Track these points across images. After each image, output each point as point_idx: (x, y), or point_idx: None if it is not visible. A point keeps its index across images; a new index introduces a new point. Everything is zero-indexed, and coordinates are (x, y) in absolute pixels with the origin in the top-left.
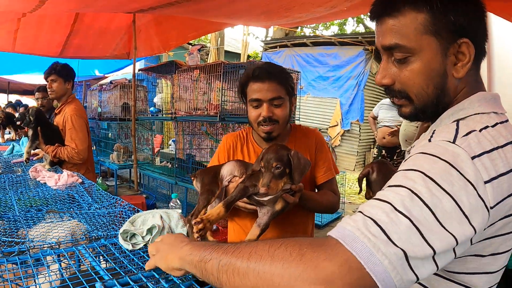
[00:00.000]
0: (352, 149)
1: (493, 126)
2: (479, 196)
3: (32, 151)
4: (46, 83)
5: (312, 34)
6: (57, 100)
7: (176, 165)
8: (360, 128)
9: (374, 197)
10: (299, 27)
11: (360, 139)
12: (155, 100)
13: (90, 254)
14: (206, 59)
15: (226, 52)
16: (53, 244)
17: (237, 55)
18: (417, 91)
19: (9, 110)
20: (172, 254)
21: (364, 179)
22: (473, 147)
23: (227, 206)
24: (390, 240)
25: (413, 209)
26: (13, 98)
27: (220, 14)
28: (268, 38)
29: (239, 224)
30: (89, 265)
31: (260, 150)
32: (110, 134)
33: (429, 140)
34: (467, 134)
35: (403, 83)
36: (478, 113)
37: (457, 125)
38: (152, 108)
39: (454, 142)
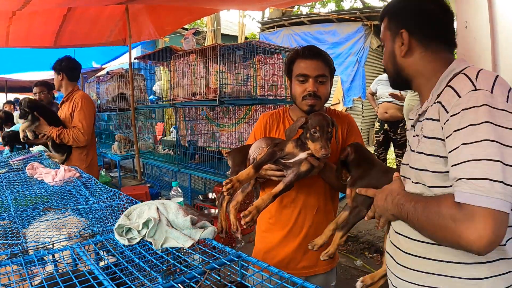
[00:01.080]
0: None
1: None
2: None
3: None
4: (42, 79)
5: (309, 12)
6: (59, 90)
7: (178, 152)
8: (362, 105)
9: (466, 159)
10: (296, 6)
11: (363, 116)
12: (154, 88)
13: (85, 253)
14: (203, 43)
15: (223, 35)
16: (46, 244)
17: (235, 38)
18: (386, 66)
19: (7, 107)
20: (390, 201)
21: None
22: (489, 83)
23: (256, 167)
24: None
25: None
26: (12, 96)
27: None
28: (265, 19)
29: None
30: (84, 265)
31: None
32: (111, 126)
33: (459, 96)
34: (477, 76)
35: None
36: (467, 66)
37: (464, 74)
38: (152, 96)
39: (476, 88)
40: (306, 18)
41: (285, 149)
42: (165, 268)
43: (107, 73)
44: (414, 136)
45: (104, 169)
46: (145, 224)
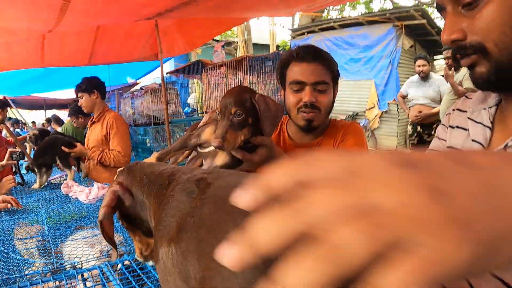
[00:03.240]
0: (392, 130)
1: None
2: None
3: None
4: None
5: (339, 17)
6: (92, 112)
7: None
8: (398, 108)
9: None
10: (326, 11)
11: (399, 119)
12: (189, 100)
13: (111, 273)
14: (235, 54)
15: (254, 44)
16: (75, 264)
17: (266, 47)
18: (497, 38)
19: (46, 125)
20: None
21: None
22: None
23: (158, 156)
24: None
25: None
26: (50, 114)
27: (236, 9)
28: (295, 26)
29: None
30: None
31: (291, 144)
32: (147, 139)
33: None
34: None
35: (477, 33)
36: None
37: None
38: (186, 109)
39: None
40: (336, 22)
41: (202, 135)
42: None
43: (141, 88)
44: None
45: None
46: None
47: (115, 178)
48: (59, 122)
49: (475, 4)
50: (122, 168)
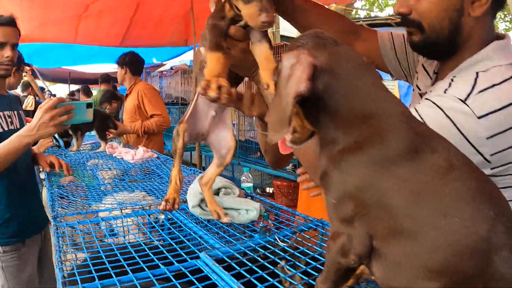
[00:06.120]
0: None
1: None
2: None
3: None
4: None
5: (367, 17)
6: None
7: (239, 146)
8: None
9: None
10: (354, 10)
11: None
12: None
13: (180, 214)
14: None
15: (282, 36)
16: (144, 206)
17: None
18: (431, 22)
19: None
20: None
21: None
22: (483, 107)
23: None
24: None
25: None
26: (75, 88)
27: None
28: None
29: None
30: (186, 227)
31: None
32: (171, 119)
33: (445, 91)
34: (483, 90)
35: (419, 13)
36: (496, 66)
37: (476, 78)
38: None
39: (465, 100)
40: (365, 22)
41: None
42: (261, 225)
43: (171, 68)
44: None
45: None
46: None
47: (293, 45)
48: (88, 93)
49: None
50: (305, 36)
